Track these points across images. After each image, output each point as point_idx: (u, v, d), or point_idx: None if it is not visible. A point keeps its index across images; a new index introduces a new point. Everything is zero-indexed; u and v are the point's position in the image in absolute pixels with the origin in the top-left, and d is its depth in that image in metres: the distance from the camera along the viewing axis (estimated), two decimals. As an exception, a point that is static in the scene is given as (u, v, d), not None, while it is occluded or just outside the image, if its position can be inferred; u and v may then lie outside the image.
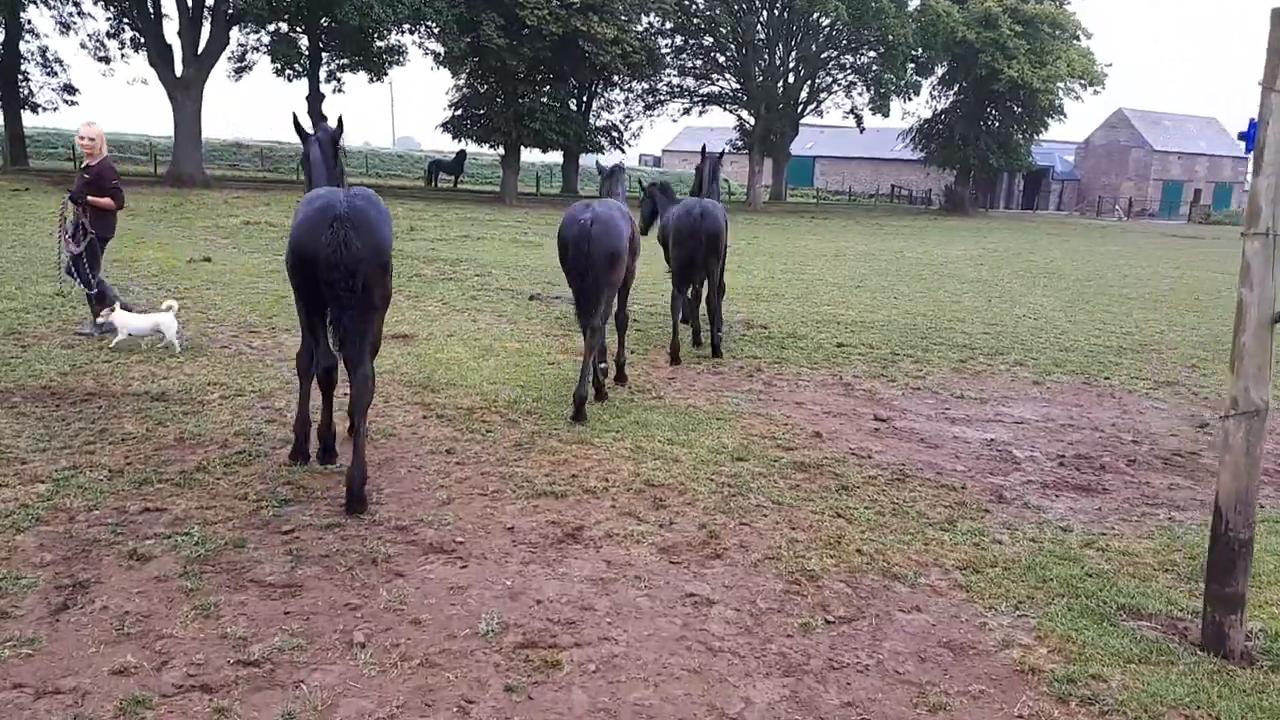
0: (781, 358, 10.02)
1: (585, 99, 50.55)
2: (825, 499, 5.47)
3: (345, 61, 46.01)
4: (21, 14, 39.44)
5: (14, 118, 41.83)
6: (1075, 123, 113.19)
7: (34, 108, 43.02)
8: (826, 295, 15.94)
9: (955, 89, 58.70)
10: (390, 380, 7.98)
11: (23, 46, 41.58)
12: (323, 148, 5.75)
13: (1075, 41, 55.49)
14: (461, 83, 47.35)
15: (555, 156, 55.28)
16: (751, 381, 8.82)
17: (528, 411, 7.14)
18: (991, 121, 58.33)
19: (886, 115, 55.77)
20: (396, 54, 45.80)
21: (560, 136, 44.43)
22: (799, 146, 68.20)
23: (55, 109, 43.79)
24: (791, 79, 55.45)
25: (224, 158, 55.46)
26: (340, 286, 4.81)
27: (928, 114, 60.87)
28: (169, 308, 8.93)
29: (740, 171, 74.46)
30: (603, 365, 7.80)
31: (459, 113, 45.47)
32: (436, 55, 44.06)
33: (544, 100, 44.45)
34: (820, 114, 59.92)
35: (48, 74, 43.59)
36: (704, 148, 11.53)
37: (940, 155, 59.49)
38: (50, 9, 41.59)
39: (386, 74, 46.38)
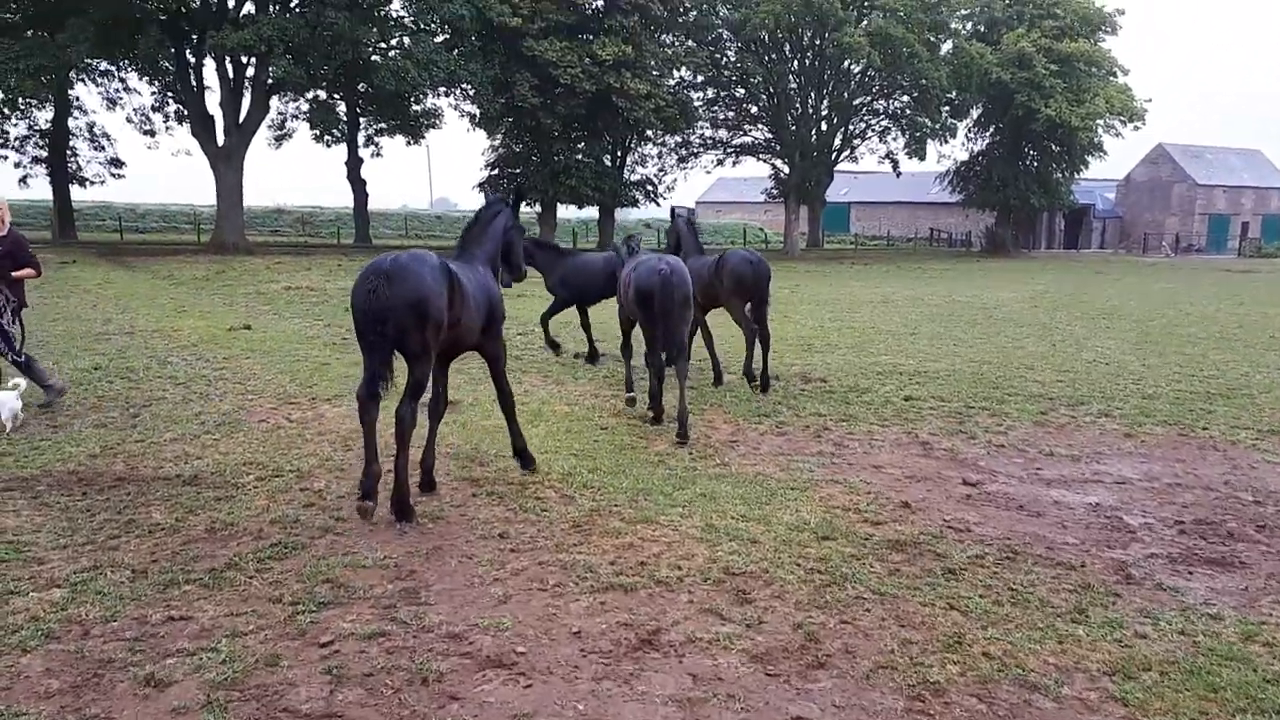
0: (848, 414, 9.38)
1: (619, 154, 50.72)
2: (932, 586, 4.81)
3: (383, 125, 46.69)
4: (70, 91, 40.43)
5: (62, 191, 42.75)
6: (1115, 159, 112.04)
7: (82, 181, 43.97)
8: (882, 344, 15.29)
9: (991, 130, 58.14)
10: (436, 454, 7.46)
11: (71, 123, 42.60)
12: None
13: (1112, 78, 54.80)
14: (497, 142, 47.79)
15: (591, 212, 55.44)
16: (820, 443, 8.19)
17: (584, 485, 6.57)
18: (1030, 161, 57.58)
19: (923, 159, 55.37)
20: (433, 117, 46.38)
21: (596, 192, 44.47)
22: (834, 193, 67.85)
23: (103, 182, 44.77)
24: (824, 126, 55.28)
25: (265, 224, 56.28)
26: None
27: (964, 156, 60.28)
28: (14, 387, 8.19)
29: (776, 220, 74.23)
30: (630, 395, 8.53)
31: (495, 172, 45.77)
32: (472, 116, 44.55)
33: (579, 157, 44.65)
34: (855, 160, 59.63)
35: (95, 148, 44.67)
36: (673, 210, 11.63)
37: (979, 197, 58.73)
38: (97, 86, 42.70)
39: (423, 136, 46.95)
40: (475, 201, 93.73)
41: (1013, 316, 20.35)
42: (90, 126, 44.33)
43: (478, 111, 43.28)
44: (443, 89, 41.25)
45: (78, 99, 43.03)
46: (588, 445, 7.79)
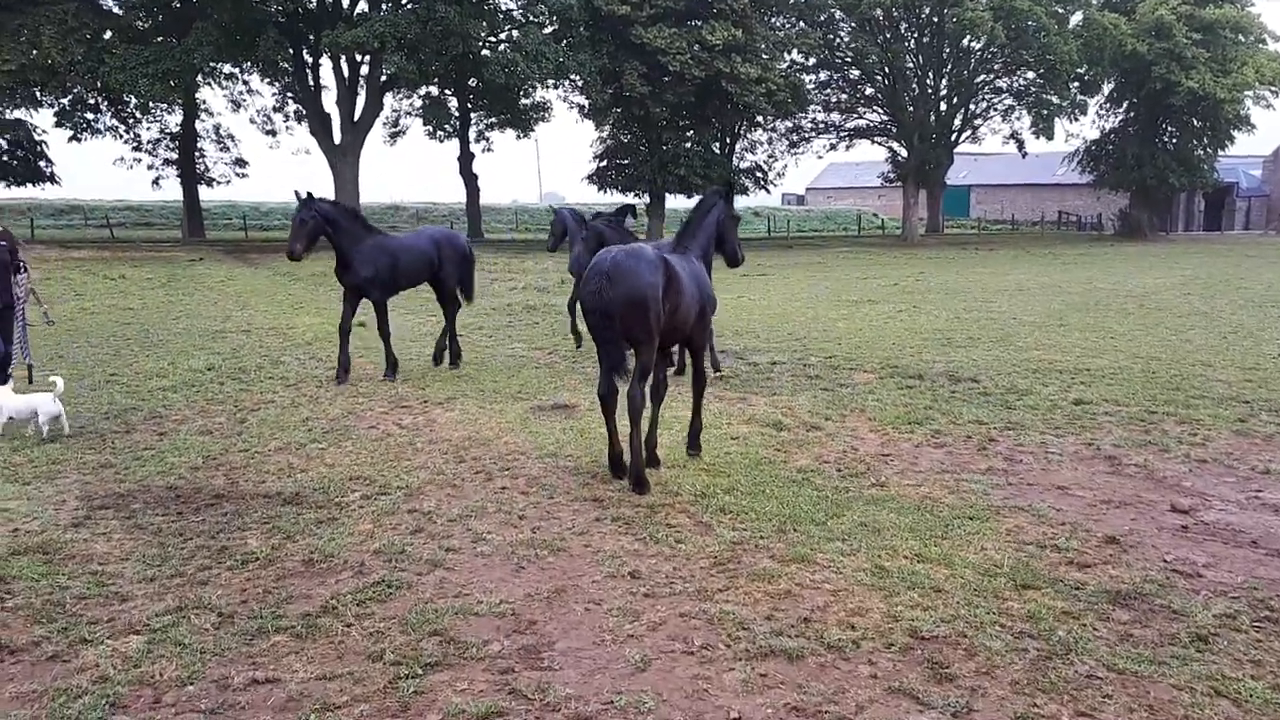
0: (1013, 421, 8.28)
1: (729, 141, 49.58)
2: (1183, 661, 3.80)
3: (493, 120, 46.80)
4: (196, 94, 41.77)
5: (191, 191, 44.30)
6: (1262, 133, 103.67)
7: (209, 181, 45.46)
8: (1029, 337, 13.96)
9: (1125, 106, 54.54)
10: (554, 468, 6.77)
11: (198, 125, 44.07)
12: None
13: (1261, 45, 50.64)
14: (605, 134, 47.33)
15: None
16: (988, 457, 7.15)
17: (721, 510, 5.74)
18: (1168, 138, 53.81)
19: (1050, 138, 52.32)
20: (541, 109, 46.23)
21: (704, 180, 43.43)
22: (953, 176, 65.02)
23: (228, 182, 46.17)
24: (944, 107, 52.82)
25: (381, 220, 57.23)
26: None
27: (1095, 134, 56.74)
28: (51, 385, 7.75)
29: (891, 205, 71.83)
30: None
31: (604, 164, 45.31)
32: (581, 108, 44.18)
33: (687, 145, 43.76)
34: (976, 141, 56.90)
35: (221, 149, 46.12)
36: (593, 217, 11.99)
37: (1112, 177, 55.19)
38: (222, 89, 44.03)
39: (533, 129, 46.85)
40: (584, 195, 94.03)
41: (1168, 305, 18.56)
42: (216, 128, 45.79)
43: (586, 102, 42.89)
44: (551, 81, 40.91)
45: (204, 102, 44.46)
46: (719, 459, 6.96)
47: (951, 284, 23.93)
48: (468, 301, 11.84)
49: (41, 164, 39.83)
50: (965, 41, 49.60)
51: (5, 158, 37.96)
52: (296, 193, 9.94)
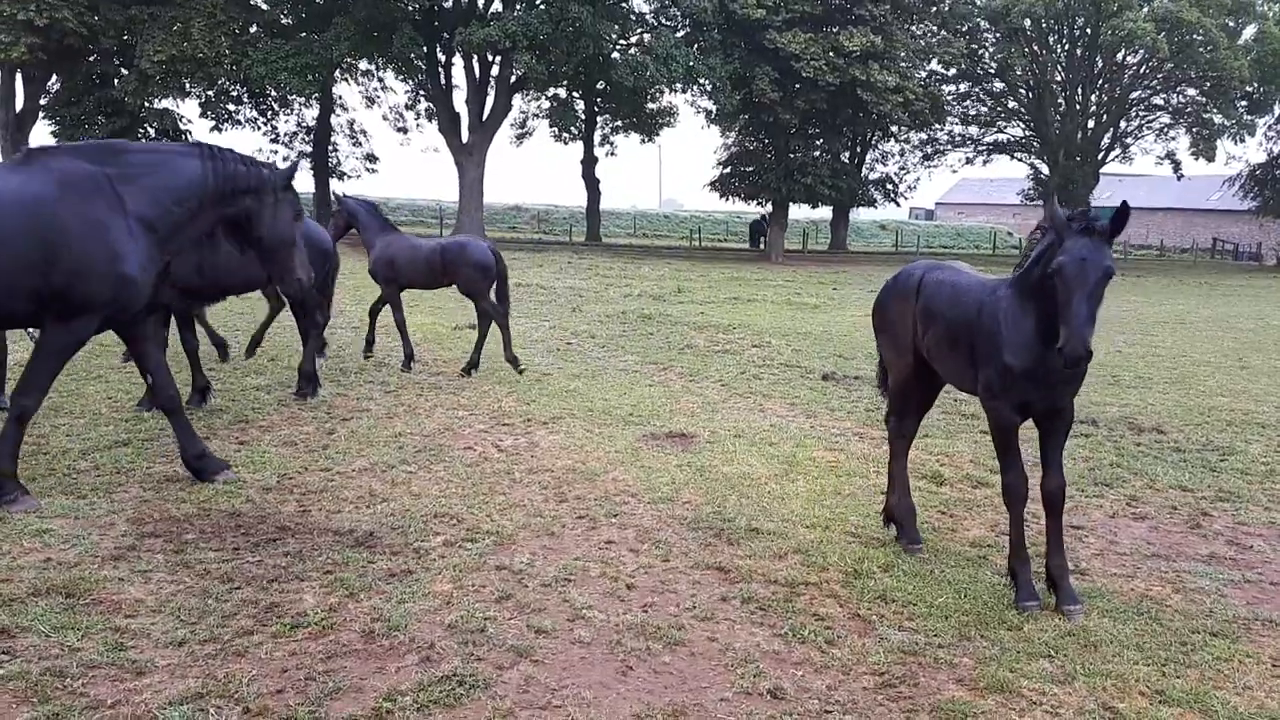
0: (1224, 489, 6.81)
1: (859, 150, 47.76)
2: None
3: (619, 124, 46.34)
4: (333, 89, 42.63)
5: (323, 184, 45.29)
6: None
7: (340, 175, 46.41)
8: (1209, 379, 12.19)
9: (1299, 128, 50.20)
10: (670, 518, 5.72)
11: (333, 120, 45.04)
12: None
13: None
14: (731, 140, 46.21)
15: (824, 212, 52.77)
16: (1205, 538, 5.75)
17: (881, 597, 4.58)
18: (1347, 164, 49.28)
19: (1210, 159, 48.55)
20: (667, 114, 45.53)
21: (832, 190, 41.87)
22: (1096, 196, 61.23)
23: (359, 176, 47.04)
24: (1092, 123, 49.58)
25: (504, 220, 57.63)
26: None
27: (1261, 157, 52.41)
28: None
29: (1028, 224, 68.17)
30: None
31: (728, 170, 44.18)
32: (708, 113, 43.16)
33: (815, 154, 42.25)
34: (1127, 160, 53.34)
35: (354, 144, 47.06)
36: (339, 196, 11.78)
37: (1278, 204, 50.89)
38: (358, 85, 44.88)
39: (657, 134, 46.17)
40: (705, 202, 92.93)
41: (1371, 350, 16.25)
42: (350, 123, 46.76)
43: (714, 107, 41.83)
44: (679, 85, 40.06)
45: (340, 97, 45.45)
46: (871, 521, 5.77)
47: (1104, 312, 21.83)
48: (504, 309, 10.90)
49: (184, 153, 41.24)
50: (1120, 55, 46.46)
51: (152, 146, 39.41)
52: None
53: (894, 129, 45.81)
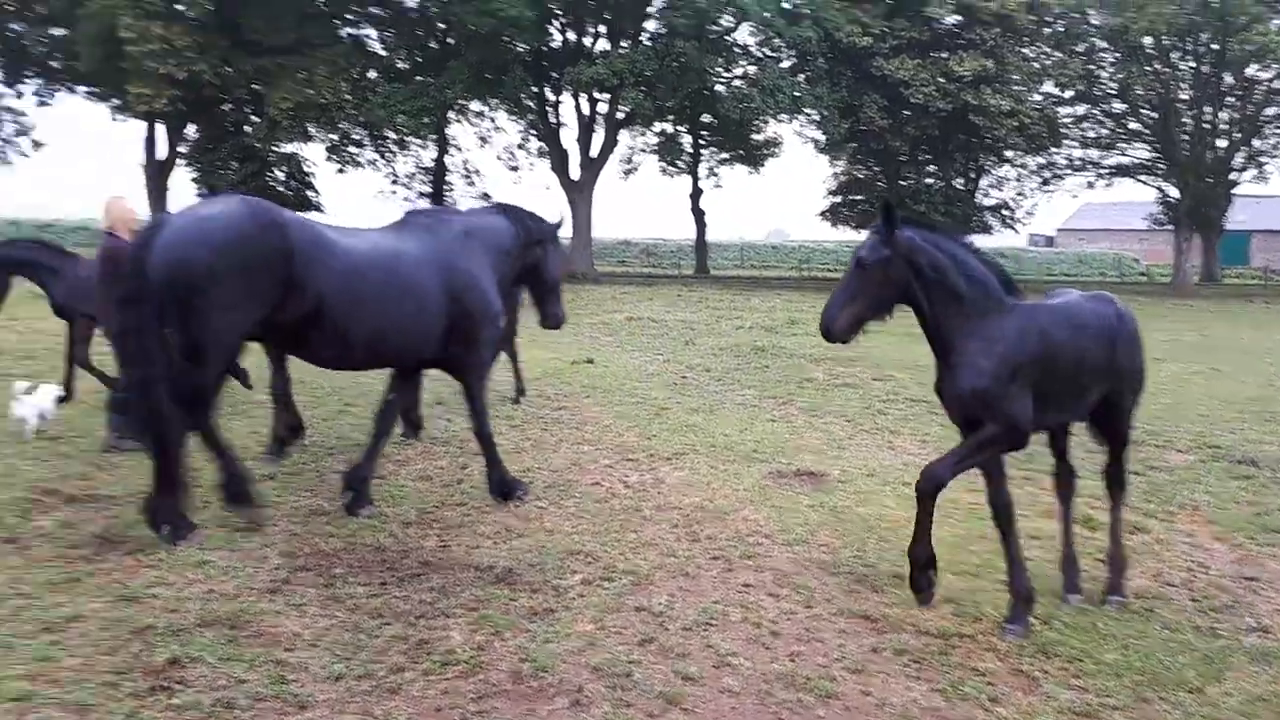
0: None
1: (973, 176, 46.60)
2: None
3: (725, 156, 46.48)
4: (448, 130, 44.12)
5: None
6: None
7: (457, 214, 47.78)
8: (1378, 416, 11.31)
9: None
10: (807, 561, 5.59)
11: (448, 160, 46.56)
12: None
13: None
14: (840, 169, 45.80)
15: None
16: (1396, 593, 5.29)
17: (1042, 650, 4.34)
18: None
19: (1358, 179, 45.54)
20: (773, 145, 45.44)
21: (946, 218, 40.89)
22: (1230, 220, 58.12)
23: (472, 215, 48.35)
24: (1224, 143, 47.13)
25: (613, 255, 58.31)
26: None
27: None
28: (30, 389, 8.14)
29: (1154, 250, 65.36)
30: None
31: (838, 199, 43.79)
32: (815, 142, 42.92)
33: (928, 181, 41.50)
34: (1263, 180, 50.48)
35: (468, 183, 48.47)
36: None
37: None
38: (472, 125, 46.32)
39: (763, 165, 46.09)
40: (813, 231, 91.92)
41: None
42: (464, 163, 48.24)
43: (822, 137, 41.57)
44: (785, 116, 39.98)
45: (454, 138, 46.97)
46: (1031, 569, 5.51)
47: (1248, 342, 20.65)
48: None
49: (310, 194, 43.25)
50: (1251, 70, 44.15)
51: (281, 188, 41.41)
52: None
53: (1009, 153, 44.56)
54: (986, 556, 5.67)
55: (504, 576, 5.16)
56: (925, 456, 8.60)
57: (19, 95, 45.12)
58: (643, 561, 5.48)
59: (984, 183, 48.91)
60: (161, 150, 41.71)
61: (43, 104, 45.59)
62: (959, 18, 38.03)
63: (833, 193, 44.31)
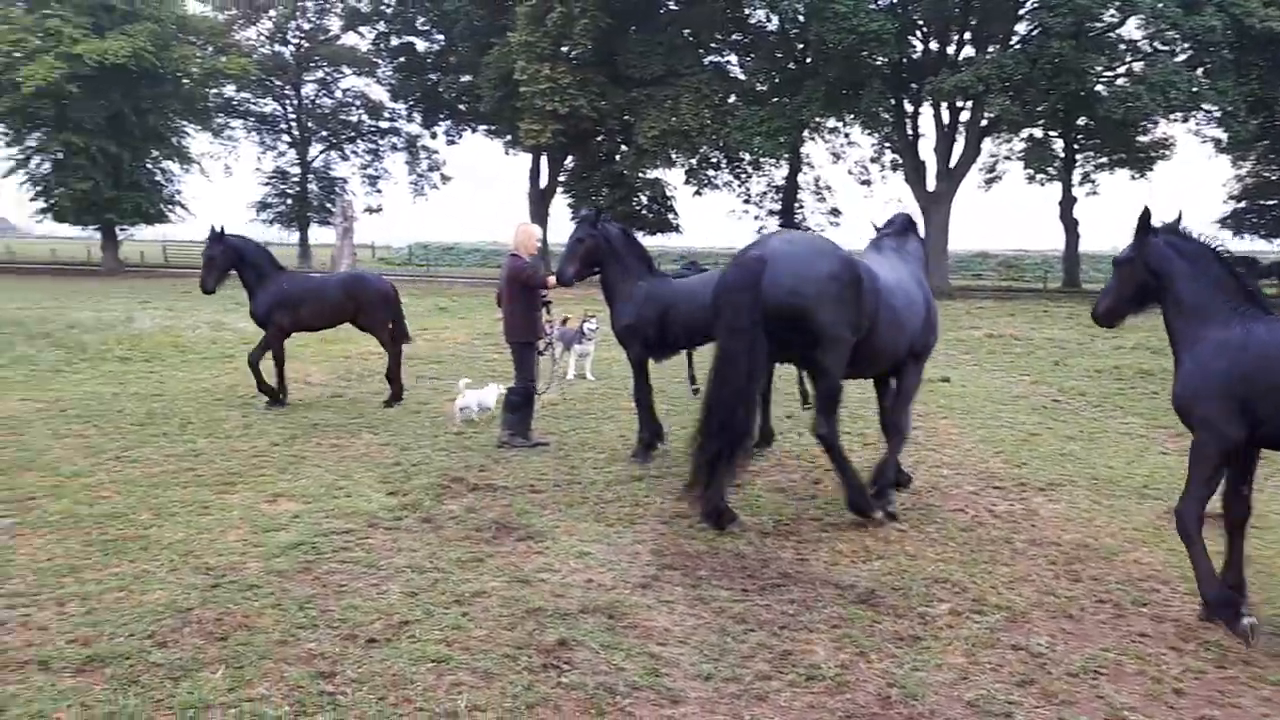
0: None
1: None
2: None
3: (1103, 160, 42.47)
4: (801, 149, 44.54)
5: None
6: None
7: (805, 230, 48.08)
8: None
9: None
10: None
11: (800, 177, 46.99)
12: None
13: None
14: (1245, 171, 40.00)
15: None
16: None
17: None
18: None
19: None
20: (1163, 146, 40.71)
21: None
22: None
23: (822, 230, 48.35)
24: None
25: (968, 268, 55.55)
26: None
27: None
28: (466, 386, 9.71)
29: None
30: None
31: (1242, 205, 38.26)
32: (1216, 142, 37.87)
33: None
34: None
35: (818, 200, 48.60)
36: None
37: None
38: (825, 142, 46.44)
39: (1150, 169, 41.46)
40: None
41: None
42: (816, 180, 48.40)
43: (1225, 136, 36.57)
44: (1179, 114, 35.63)
45: (807, 155, 47.26)
46: None
47: None
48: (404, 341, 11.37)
49: (670, 216, 45.70)
50: None
51: (643, 211, 44.19)
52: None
53: None
54: None
55: (866, 597, 5.05)
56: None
57: (433, 136, 52.41)
58: (1017, 597, 5.11)
59: None
60: (543, 180, 46.27)
61: (451, 143, 52.57)
62: None
63: (1235, 198, 38.75)
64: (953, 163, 36.78)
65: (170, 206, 47.21)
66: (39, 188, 43.18)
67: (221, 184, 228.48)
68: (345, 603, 4.79)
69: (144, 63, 39.25)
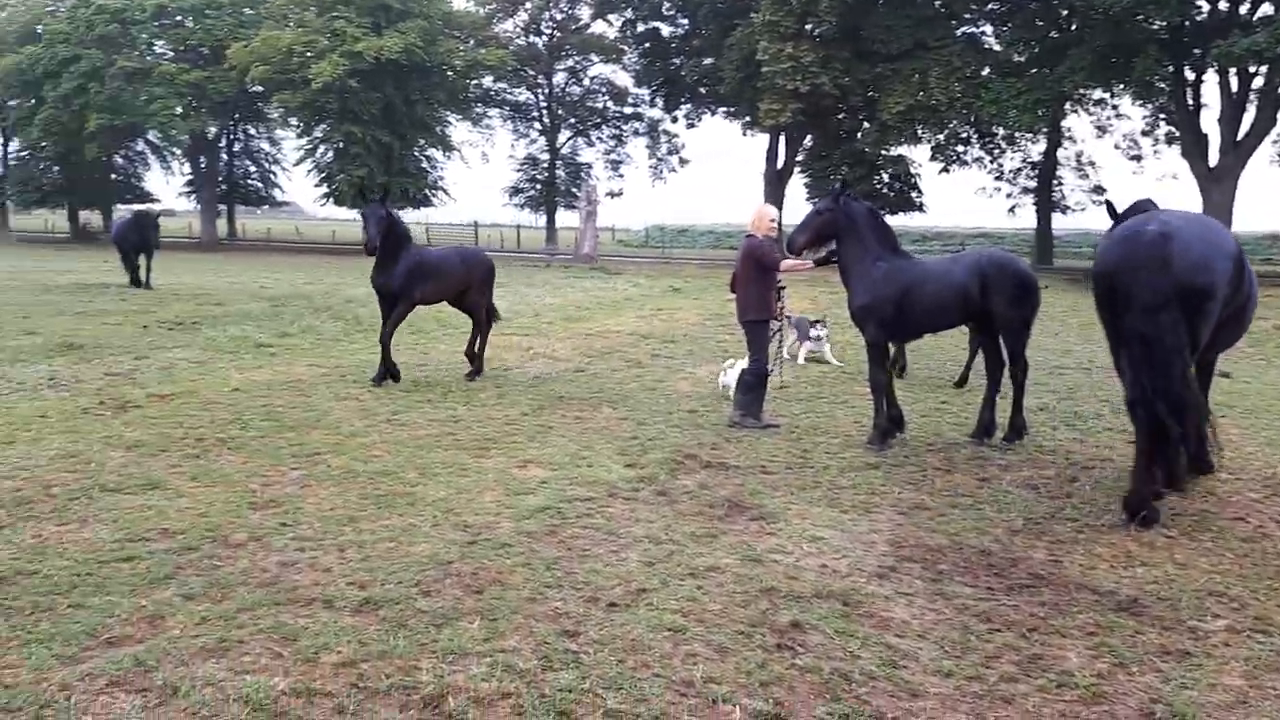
0: None
1: None
2: None
3: None
4: (1062, 122, 41.46)
5: (1045, 219, 44.33)
6: None
7: (1063, 209, 44.91)
8: None
9: None
10: None
11: (1060, 153, 43.81)
12: None
13: None
14: None
15: None
16: None
17: None
18: None
19: None
20: None
21: None
22: None
23: (1083, 209, 44.98)
24: None
25: (1256, 252, 49.72)
26: None
27: None
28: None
29: None
30: None
31: None
32: None
33: None
34: None
35: (1080, 176, 45.17)
36: None
37: None
38: (1089, 115, 43.01)
39: None
40: None
41: None
42: (1077, 155, 44.94)
43: None
44: None
45: (1069, 129, 43.94)
46: None
47: None
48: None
49: (913, 194, 43.99)
50: None
51: (885, 189, 42.80)
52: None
53: None
54: None
55: (1127, 605, 4.67)
56: None
57: (674, 120, 53.22)
58: (1307, 619, 4.55)
59: None
60: (780, 160, 45.77)
61: (690, 126, 53.18)
62: None
63: None
64: (1240, 136, 32.95)
65: (434, 191, 51.10)
66: (323, 174, 48.05)
67: (479, 170, 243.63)
68: (588, 566, 5.02)
69: (414, 57, 42.61)
